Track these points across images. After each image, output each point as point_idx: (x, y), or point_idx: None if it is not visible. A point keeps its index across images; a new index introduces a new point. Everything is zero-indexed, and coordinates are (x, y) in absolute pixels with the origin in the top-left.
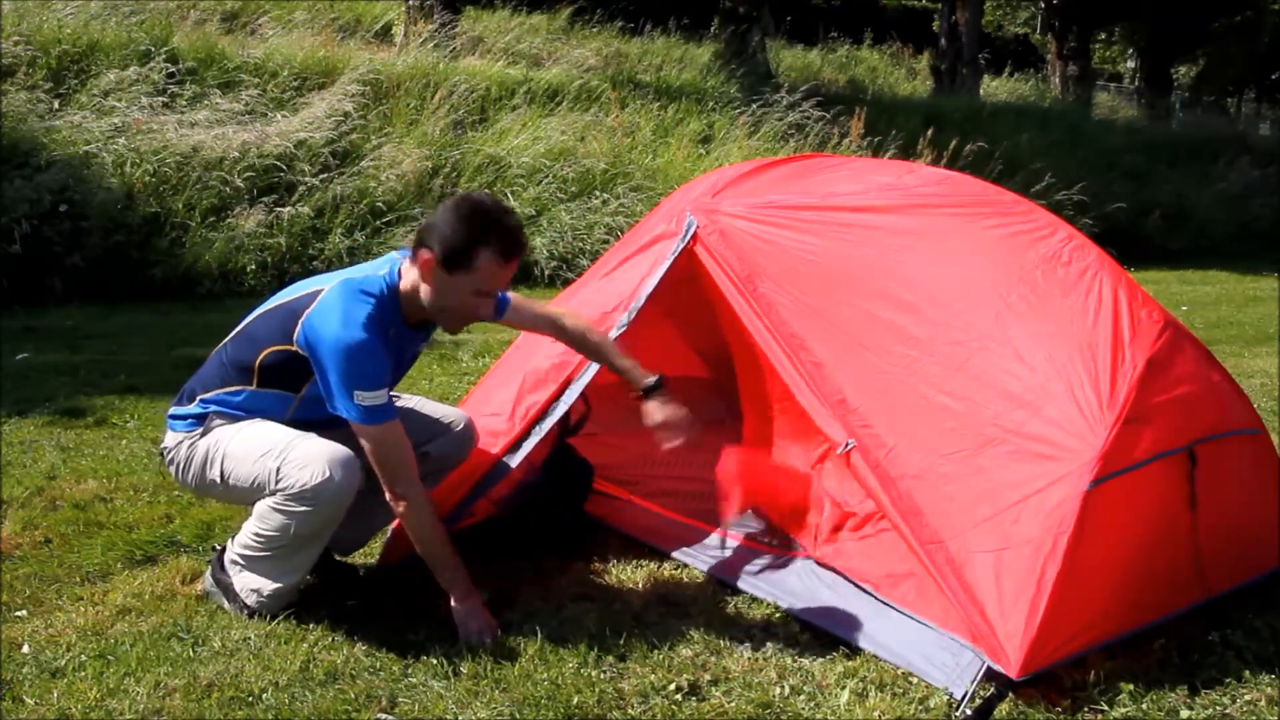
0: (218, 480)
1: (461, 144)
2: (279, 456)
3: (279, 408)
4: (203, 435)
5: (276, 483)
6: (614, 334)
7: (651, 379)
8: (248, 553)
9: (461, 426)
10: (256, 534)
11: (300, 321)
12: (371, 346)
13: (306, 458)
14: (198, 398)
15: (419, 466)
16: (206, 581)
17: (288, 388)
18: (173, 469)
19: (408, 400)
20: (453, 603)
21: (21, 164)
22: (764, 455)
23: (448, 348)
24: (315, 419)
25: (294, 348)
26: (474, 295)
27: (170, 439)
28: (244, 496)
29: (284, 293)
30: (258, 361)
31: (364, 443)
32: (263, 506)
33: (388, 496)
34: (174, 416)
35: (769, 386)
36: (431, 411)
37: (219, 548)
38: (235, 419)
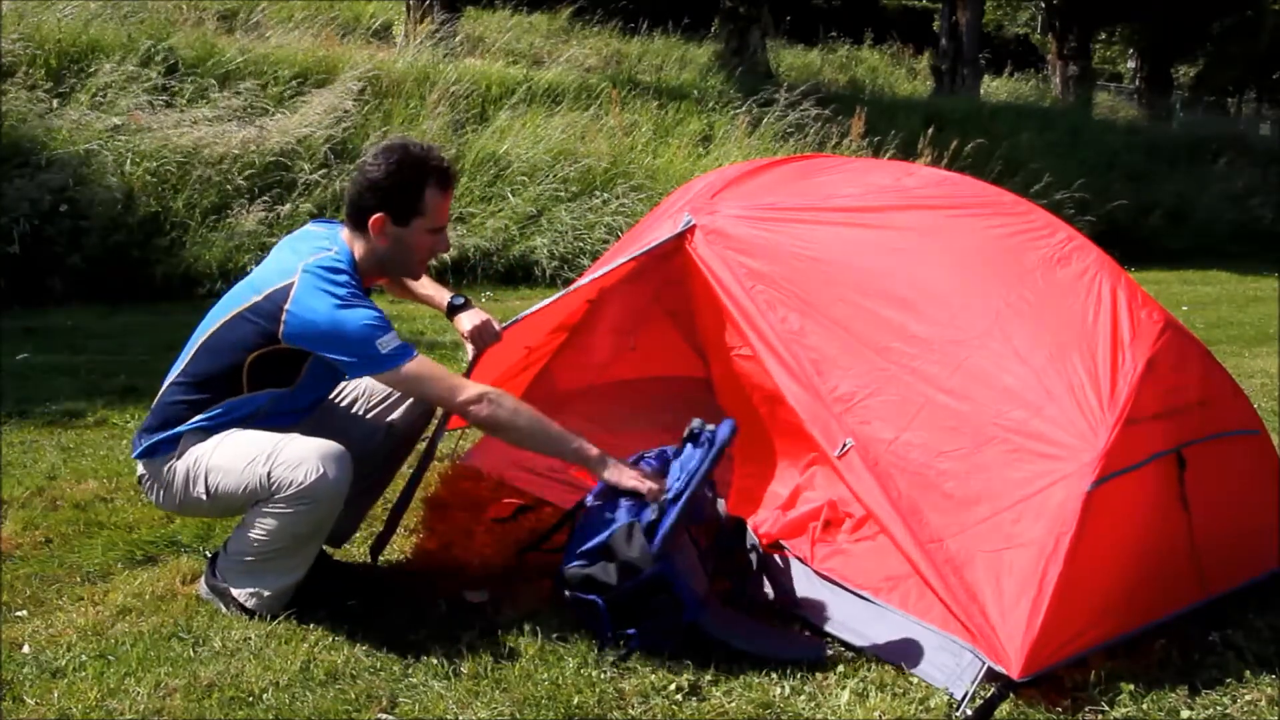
0: (204, 497)
1: (462, 143)
2: (268, 461)
3: (268, 404)
4: (179, 456)
5: (270, 487)
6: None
7: (458, 298)
8: (245, 558)
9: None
10: (253, 540)
11: (283, 318)
12: (367, 302)
13: (298, 457)
14: (170, 429)
15: (386, 442)
16: (202, 589)
17: (281, 384)
18: (152, 495)
19: (355, 385)
20: (602, 476)
21: (22, 163)
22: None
23: (448, 348)
24: (302, 407)
25: (282, 345)
26: (430, 234)
27: (144, 467)
28: (234, 507)
29: (234, 298)
30: (246, 365)
31: (410, 387)
32: (256, 515)
33: (471, 417)
34: (144, 451)
35: (759, 389)
36: (383, 389)
37: (211, 555)
38: (211, 432)
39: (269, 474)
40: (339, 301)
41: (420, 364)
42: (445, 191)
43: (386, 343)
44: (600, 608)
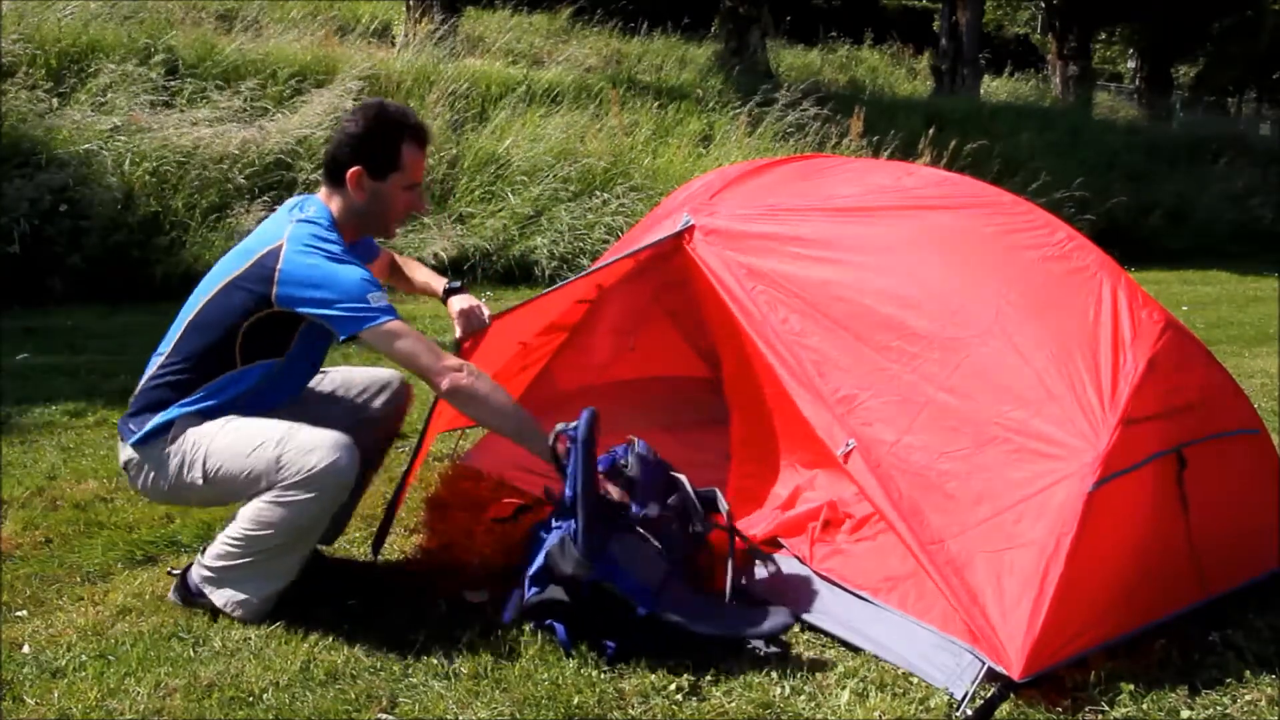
0: (199, 481)
1: (461, 142)
2: (279, 445)
3: (261, 380)
4: (173, 440)
5: (278, 472)
6: (554, 287)
7: (455, 283)
8: (232, 563)
9: (398, 384)
10: (245, 538)
11: (275, 281)
12: (355, 260)
13: (310, 443)
14: (161, 410)
15: (367, 431)
16: (172, 598)
17: (273, 353)
18: (140, 480)
19: (336, 371)
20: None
21: (22, 163)
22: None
23: (448, 349)
24: (287, 388)
25: (275, 308)
26: (406, 191)
27: (132, 451)
28: (231, 492)
29: (219, 272)
30: (239, 335)
31: (394, 345)
32: (255, 506)
33: (449, 384)
34: (139, 440)
35: (762, 390)
36: (364, 376)
37: (176, 572)
38: (206, 416)
39: (279, 458)
40: (330, 256)
41: (406, 325)
42: (421, 148)
43: (377, 298)
44: (559, 633)
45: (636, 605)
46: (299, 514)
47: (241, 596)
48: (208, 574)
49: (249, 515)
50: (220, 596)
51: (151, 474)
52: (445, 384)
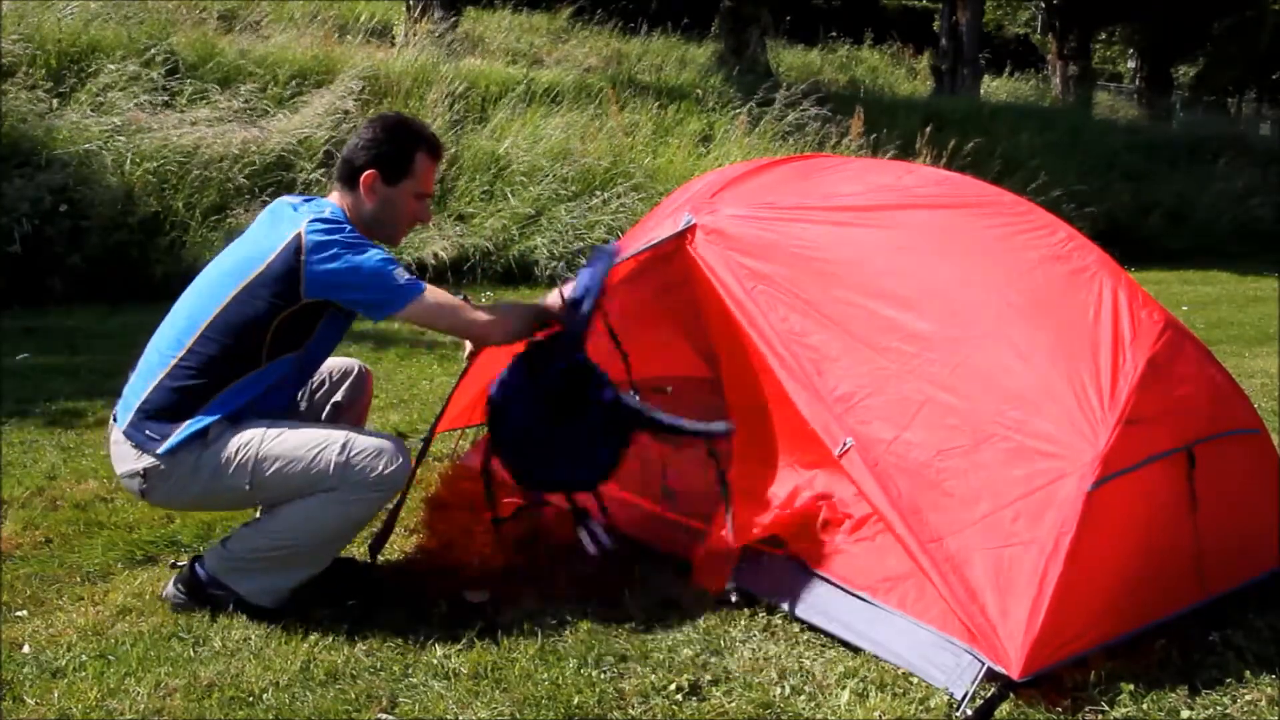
0: (245, 485)
1: (461, 142)
2: (344, 450)
3: (280, 377)
4: (209, 446)
5: (348, 474)
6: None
7: (459, 296)
8: (271, 554)
9: (357, 371)
10: (293, 530)
11: (302, 274)
12: (374, 244)
13: (375, 447)
14: (186, 416)
15: (335, 419)
16: (170, 593)
17: (293, 347)
18: (161, 488)
19: None
20: (554, 311)
21: (22, 163)
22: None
23: (448, 348)
24: (301, 380)
25: (304, 301)
26: (415, 199)
27: (154, 460)
28: (277, 497)
29: (235, 271)
30: (269, 333)
31: (429, 316)
32: (313, 503)
33: (490, 338)
34: (170, 449)
35: (761, 391)
36: (328, 366)
37: (181, 564)
38: (237, 420)
39: (346, 461)
40: (350, 241)
41: (436, 292)
42: (434, 159)
43: (401, 275)
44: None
45: (603, 387)
46: (362, 512)
47: (272, 585)
48: (235, 564)
49: (303, 510)
50: (246, 584)
51: (180, 482)
52: (489, 340)
